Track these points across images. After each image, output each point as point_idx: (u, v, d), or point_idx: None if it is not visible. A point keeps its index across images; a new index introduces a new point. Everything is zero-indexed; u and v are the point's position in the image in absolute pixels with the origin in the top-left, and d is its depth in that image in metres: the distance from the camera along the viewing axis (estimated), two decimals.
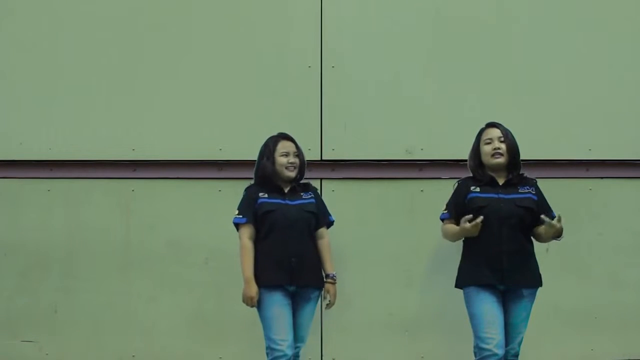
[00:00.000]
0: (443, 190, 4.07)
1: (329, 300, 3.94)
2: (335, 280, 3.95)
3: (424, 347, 4.53)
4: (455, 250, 3.95)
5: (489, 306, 3.69)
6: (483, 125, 3.94)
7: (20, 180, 4.61)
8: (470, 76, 4.63)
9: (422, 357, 4.54)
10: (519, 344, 3.81)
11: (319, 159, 4.56)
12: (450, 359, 4.47)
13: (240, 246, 3.83)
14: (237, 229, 3.88)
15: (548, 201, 3.88)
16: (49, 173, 4.60)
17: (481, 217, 3.64)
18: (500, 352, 3.64)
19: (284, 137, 4.00)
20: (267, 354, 3.76)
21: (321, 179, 4.55)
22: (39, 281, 4.57)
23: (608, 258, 4.58)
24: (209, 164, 4.59)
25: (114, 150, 4.60)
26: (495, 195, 3.77)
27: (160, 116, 4.62)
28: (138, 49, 4.65)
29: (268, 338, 3.76)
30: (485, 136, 3.87)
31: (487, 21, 4.67)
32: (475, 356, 3.73)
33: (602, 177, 4.62)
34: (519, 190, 3.80)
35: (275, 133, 4.04)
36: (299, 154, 3.97)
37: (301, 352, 3.96)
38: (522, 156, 3.88)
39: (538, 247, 3.86)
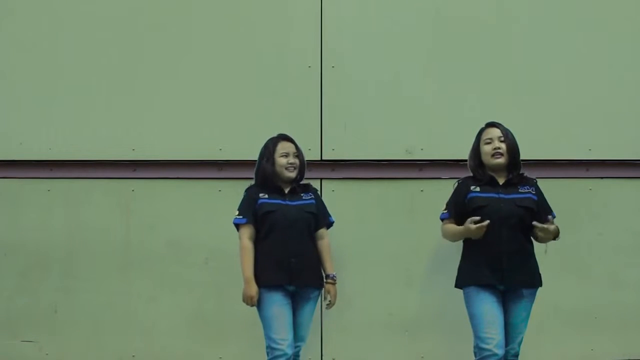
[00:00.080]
0: (443, 190, 4.07)
1: (329, 301, 3.95)
2: (335, 280, 3.96)
3: (424, 347, 4.53)
4: (455, 250, 3.95)
5: (488, 306, 3.69)
6: (483, 125, 3.94)
7: (20, 180, 4.61)
8: (470, 76, 4.63)
9: (422, 357, 4.54)
10: (519, 344, 3.80)
11: (319, 159, 4.56)
12: (450, 359, 4.47)
13: (240, 246, 3.84)
14: (237, 229, 3.88)
15: (548, 201, 3.88)
16: (49, 173, 4.60)
17: (487, 222, 3.64)
18: (500, 352, 3.63)
19: (284, 138, 4.00)
20: (267, 353, 3.77)
21: (321, 179, 4.55)
22: (39, 281, 4.57)
23: (608, 258, 4.58)
24: (209, 164, 4.59)
25: (114, 150, 4.60)
26: (496, 195, 3.77)
27: (160, 116, 4.62)
28: (138, 49, 4.65)
29: (268, 337, 3.77)
30: (485, 136, 3.87)
31: (487, 21, 4.67)
32: (475, 356, 3.73)
33: (602, 177, 4.62)
34: (519, 190, 3.80)
35: (275, 133, 4.05)
36: (298, 154, 3.98)
37: (301, 352, 3.96)
38: (522, 156, 3.88)
39: (537, 247, 3.86)
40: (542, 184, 3.91)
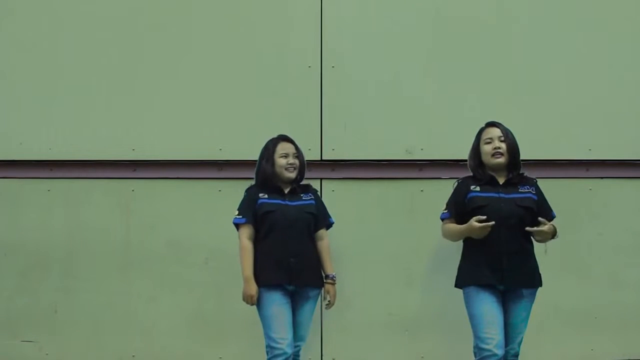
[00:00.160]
0: (443, 190, 4.06)
1: (328, 301, 3.96)
2: (334, 281, 3.96)
3: (424, 347, 4.53)
4: (455, 250, 3.94)
5: (488, 306, 3.68)
6: (483, 125, 3.94)
7: (20, 180, 4.61)
8: (470, 76, 4.63)
9: (422, 357, 4.54)
10: (519, 344, 3.80)
11: (319, 159, 4.56)
12: (450, 359, 4.47)
13: (239, 246, 3.85)
14: (237, 229, 3.89)
15: (548, 201, 3.87)
16: (49, 173, 4.60)
17: (492, 223, 3.63)
18: (500, 352, 3.63)
19: (284, 138, 4.01)
20: (267, 352, 3.77)
21: (321, 179, 4.55)
22: (39, 281, 4.57)
23: (608, 258, 4.58)
24: (209, 164, 4.59)
25: (114, 150, 4.60)
26: (496, 195, 3.76)
27: (160, 116, 4.62)
28: (138, 49, 4.65)
29: (268, 337, 3.77)
30: (485, 135, 3.87)
31: (487, 21, 4.67)
32: (475, 356, 3.73)
33: (602, 177, 4.62)
34: (519, 190, 3.79)
35: (275, 133, 4.06)
36: (298, 155, 3.99)
37: (301, 352, 3.97)
38: (522, 156, 3.87)
39: (537, 247, 3.85)
40: (542, 184, 3.91)
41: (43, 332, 4.56)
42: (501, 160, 3.79)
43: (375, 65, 4.64)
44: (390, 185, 4.59)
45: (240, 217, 3.87)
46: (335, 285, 3.96)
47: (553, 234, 3.76)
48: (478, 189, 3.80)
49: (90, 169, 4.60)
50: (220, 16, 4.67)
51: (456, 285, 3.86)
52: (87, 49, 4.65)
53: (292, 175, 3.94)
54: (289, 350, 3.73)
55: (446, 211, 3.90)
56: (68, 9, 4.68)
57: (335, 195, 4.51)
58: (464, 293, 3.80)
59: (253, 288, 3.77)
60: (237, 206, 3.92)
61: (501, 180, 3.82)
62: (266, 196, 3.89)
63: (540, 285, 3.81)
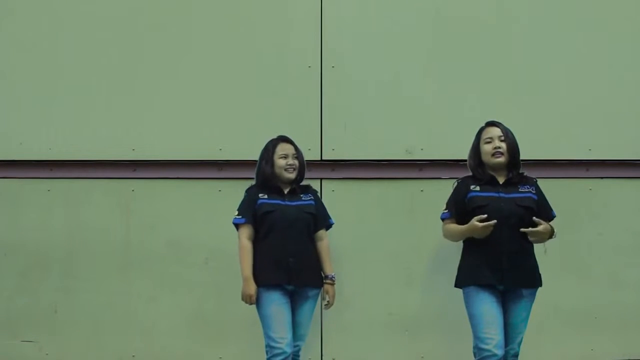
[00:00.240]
0: (443, 190, 4.06)
1: (327, 301, 3.96)
2: (334, 281, 3.97)
3: (424, 347, 4.53)
4: (455, 250, 3.94)
5: (488, 306, 3.68)
6: (483, 124, 3.94)
7: (20, 180, 4.61)
8: (470, 76, 4.63)
9: (422, 357, 4.54)
10: (519, 344, 3.80)
11: (319, 159, 4.56)
12: (450, 359, 4.47)
13: (239, 246, 3.86)
14: (237, 229, 3.89)
15: (548, 201, 3.87)
16: (49, 173, 4.61)
17: (494, 221, 3.63)
18: (500, 352, 3.63)
19: (283, 139, 4.02)
20: (267, 352, 3.78)
21: (321, 179, 4.55)
22: (39, 281, 4.57)
23: (608, 258, 4.58)
24: (209, 164, 4.59)
25: (114, 150, 4.60)
26: (496, 194, 3.76)
27: (160, 116, 4.62)
28: (138, 49, 4.66)
29: (267, 336, 3.78)
30: (485, 135, 3.86)
31: (487, 21, 4.67)
32: (475, 356, 3.72)
33: (602, 177, 4.62)
34: (519, 190, 3.79)
35: (275, 134, 4.07)
36: (298, 155, 3.99)
37: (301, 352, 3.97)
38: (522, 156, 3.87)
39: (537, 247, 3.85)
40: (542, 184, 3.91)
41: (43, 332, 4.56)
42: (501, 159, 3.79)
43: (375, 65, 4.64)
44: (390, 185, 4.59)
45: (240, 217, 3.88)
46: (335, 285, 3.97)
47: (550, 234, 3.76)
48: (478, 188, 3.80)
49: (90, 169, 4.60)
50: (220, 16, 4.67)
51: (456, 285, 3.86)
52: (87, 49, 4.65)
53: (292, 176, 3.95)
54: (289, 350, 3.73)
55: (446, 211, 3.89)
56: (68, 9, 4.68)
57: (335, 195, 4.51)
58: (463, 293, 3.80)
59: (252, 288, 3.78)
60: (237, 206, 3.93)
61: (501, 180, 3.82)
62: (266, 196, 3.89)
63: (540, 285, 3.81)
